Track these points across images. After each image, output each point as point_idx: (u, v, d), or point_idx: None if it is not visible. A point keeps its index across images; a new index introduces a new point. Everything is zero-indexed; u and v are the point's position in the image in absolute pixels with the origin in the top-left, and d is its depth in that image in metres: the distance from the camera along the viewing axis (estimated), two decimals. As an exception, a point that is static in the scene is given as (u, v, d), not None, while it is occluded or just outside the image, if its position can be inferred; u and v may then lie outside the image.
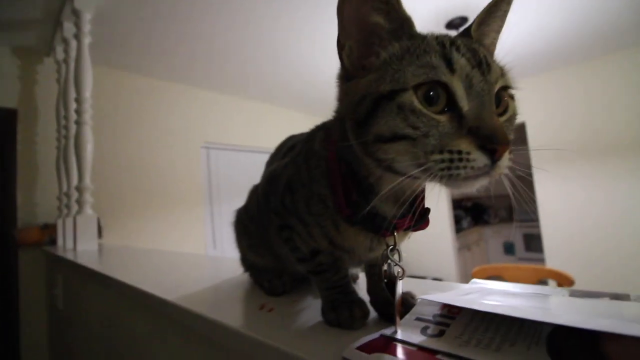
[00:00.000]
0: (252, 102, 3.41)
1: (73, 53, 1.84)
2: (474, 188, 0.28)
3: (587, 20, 2.34)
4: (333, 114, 0.37)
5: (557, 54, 2.90)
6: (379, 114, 0.27)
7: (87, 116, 1.69)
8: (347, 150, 0.32)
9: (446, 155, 0.25)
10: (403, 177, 0.27)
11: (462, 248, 4.67)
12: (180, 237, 2.74)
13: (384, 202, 0.33)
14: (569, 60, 3.05)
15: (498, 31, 0.35)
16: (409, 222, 0.33)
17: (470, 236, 5.10)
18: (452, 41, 0.29)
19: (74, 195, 1.75)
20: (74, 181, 1.79)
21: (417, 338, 0.28)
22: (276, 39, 2.27)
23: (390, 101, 0.27)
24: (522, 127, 3.52)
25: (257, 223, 0.51)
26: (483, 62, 0.28)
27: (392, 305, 0.36)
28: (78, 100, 1.68)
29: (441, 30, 1.53)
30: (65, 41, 1.92)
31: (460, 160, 0.25)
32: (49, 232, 2.05)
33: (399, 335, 0.28)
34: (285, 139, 0.54)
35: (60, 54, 2.10)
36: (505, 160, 0.27)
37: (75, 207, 1.75)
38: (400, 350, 0.26)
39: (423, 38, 0.30)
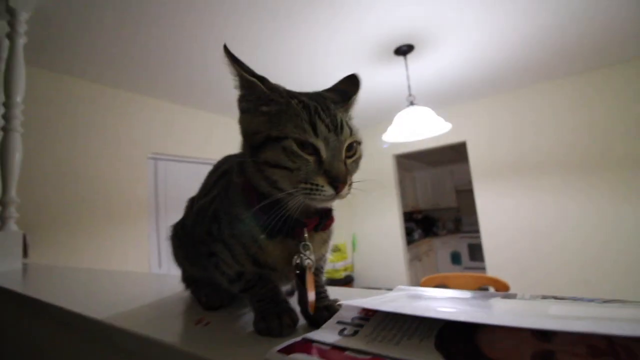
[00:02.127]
0: (203, 112, 3.34)
1: (4, 54, 1.69)
2: (323, 205, 0.40)
3: (517, 52, 2.66)
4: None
5: (492, 82, 3.25)
6: (267, 147, 0.38)
7: (17, 122, 1.54)
8: (246, 167, 0.41)
9: (309, 185, 0.37)
10: (283, 193, 0.37)
11: (414, 259, 4.89)
12: (123, 254, 2.55)
13: (297, 213, 0.40)
14: (503, 87, 3.43)
15: (354, 105, 0.46)
16: (315, 221, 0.42)
17: (421, 247, 5.38)
18: (315, 109, 0.39)
19: (-4, 209, 1.58)
20: (-3, 194, 1.61)
21: (333, 338, 0.30)
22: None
23: (277, 142, 0.38)
24: (463, 145, 3.85)
25: (192, 239, 0.52)
26: (338, 127, 0.39)
27: (319, 312, 0.39)
28: (7, 104, 1.54)
29: (391, 56, 1.64)
30: (-6, 40, 1.76)
31: (317, 190, 0.37)
32: (-38, 251, 1.80)
33: (318, 337, 0.31)
34: (222, 158, 0.57)
35: (-13, 53, 1.90)
36: (346, 190, 0.38)
37: (-4, 223, 1.57)
38: (315, 350, 0.29)
39: (292, 100, 0.39)
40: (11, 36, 1.58)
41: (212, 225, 0.45)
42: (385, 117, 3.70)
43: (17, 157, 1.54)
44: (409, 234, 5.37)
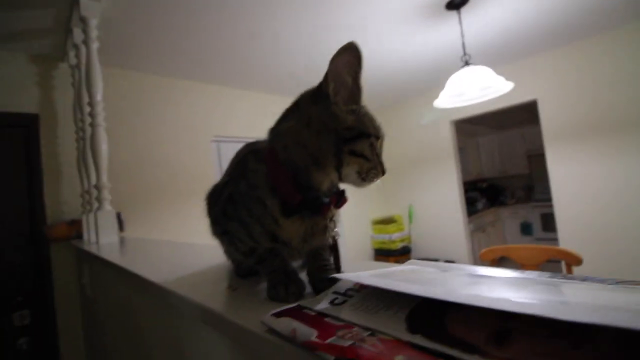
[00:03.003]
0: (257, 94, 3.48)
1: (83, 58, 1.95)
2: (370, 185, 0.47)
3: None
4: (270, 132, 0.49)
5: (564, 30, 2.78)
6: (358, 140, 0.45)
7: (100, 118, 1.81)
8: (299, 156, 0.45)
9: (374, 172, 0.46)
10: (359, 179, 0.46)
11: (477, 230, 4.64)
12: (195, 227, 2.89)
13: (325, 190, 0.47)
14: (577, 35, 2.91)
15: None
16: (335, 199, 0.48)
17: (485, 217, 5.05)
18: (373, 116, 0.48)
19: (94, 193, 1.90)
20: (93, 180, 1.93)
21: (322, 306, 0.34)
22: (278, 32, 2.31)
23: (367, 138, 0.45)
24: (534, 105, 3.42)
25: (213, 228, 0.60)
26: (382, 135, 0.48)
27: (323, 283, 0.43)
28: (90, 103, 1.80)
29: (442, 10, 1.52)
30: (75, 47, 2.04)
31: (377, 174, 0.46)
32: (76, 227, 2.23)
33: (310, 304, 0.35)
34: (242, 147, 0.59)
35: (72, 60, 2.23)
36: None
37: (95, 204, 1.90)
38: (299, 315, 0.33)
39: (364, 107, 0.47)
40: (86, 42, 1.82)
41: (228, 206, 0.51)
42: (440, 82, 3.44)
43: (104, 147, 1.82)
44: (471, 203, 5.06)
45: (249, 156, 0.51)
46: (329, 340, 0.27)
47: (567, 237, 3.19)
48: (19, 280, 2.16)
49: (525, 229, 5.28)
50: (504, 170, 5.87)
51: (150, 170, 2.73)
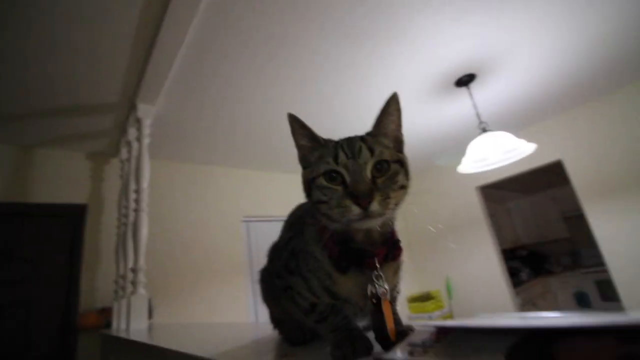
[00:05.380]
0: (284, 175, 3.68)
1: (134, 152, 2.19)
2: (367, 226, 0.43)
3: (599, 55, 2.40)
4: None
5: (575, 92, 2.92)
6: (311, 190, 0.46)
7: (144, 204, 1.94)
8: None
9: (340, 209, 0.41)
10: (337, 223, 0.42)
11: (527, 304, 4.17)
12: (225, 309, 2.79)
13: (361, 242, 0.45)
14: (591, 95, 3.03)
15: (395, 122, 0.50)
16: (385, 251, 0.45)
17: (533, 289, 4.58)
18: (341, 144, 0.46)
19: (130, 276, 1.93)
20: (130, 263, 1.98)
21: (403, 357, 0.32)
22: (303, 114, 2.57)
23: (314, 183, 0.45)
24: (558, 165, 3.39)
25: (273, 284, 0.59)
26: (356, 152, 0.44)
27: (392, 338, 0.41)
28: (137, 190, 1.96)
29: (452, 88, 1.67)
30: (128, 144, 2.32)
31: (347, 211, 0.41)
32: (106, 315, 2.19)
33: (388, 355, 0.33)
34: (295, 207, 0.64)
35: (124, 155, 2.50)
36: (375, 205, 0.41)
37: (130, 288, 1.91)
38: (384, 365, 0.30)
39: (328, 144, 0.48)
40: (139, 138, 2.07)
41: (290, 261, 0.51)
42: (458, 150, 3.54)
43: (144, 232, 1.91)
44: (514, 274, 4.65)
45: (306, 213, 0.53)
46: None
47: (635, 304, 2.79)
48: (44, 376, 2.07)
49: (581, 299, 4.68)
50: (541, 235, 5.52)
51: (179, 253, 2.78)
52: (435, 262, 4.37)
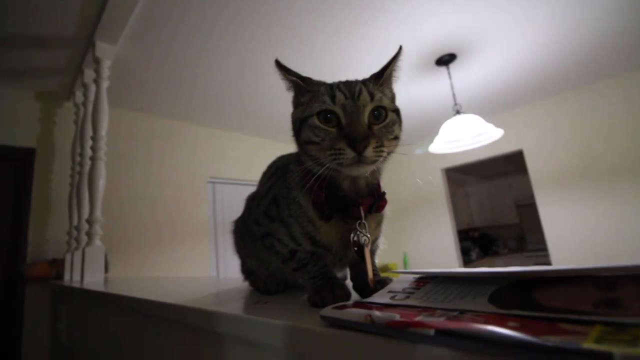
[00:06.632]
0: (252, 138, 3.57)
1: (91, 96, 2.00)
2: (358, 172, 0.41)
3: (571, 50, 2.49)
4: None
5: (545, 84, 3.05)
6: (301, 129, 0.43)
7: (102, 153, 1.80)
8: (300, 155, 0.45)
9: (332, 151, 0.39)
10: (323, 168, 0.40)
11: (472, 279, 4.54)
12: (187, 267, 2.75)
13: (347, 190, 0.44)
14: (559, 89, 3.19)
15: (395, 76, 0.49)
16: (370, 201, 0.43)
17: (480, 267, 4.98)
18: (338, 85, 0.44)
19: (85, 228, 1.82)
20: (85, 214, 1.86)
21: (384, 300, 0.32)
22: (271, 80, 2.45)
23: (306, 122, 0.43)
24: (519, 155, 3.59)
25: (250, 233, 0.57)
26: (355, 94, 0.42)
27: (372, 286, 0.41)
28: (94, 138, 1.80)
29: (432, 66, 1.67)
30: (85, 86, 2.10)
31: (339, 154, 0.39)
32: (57, 266, 2.08)
33: (370, 300, 0.33)
34: (275, 159, 0.62)
35: (79, 98, 2.27)
36: (370, 151, 0.39)
37: (84, 240, 1.81)
38: (367, 307, 0.30)
39: (320, 87, 0.45)
40: (97, 81, 1.88)
41: (270, 207, 0.49)
42: (432, 129, 3.62)
43: (101, 182, 1.78)
44: (465, 253, 5.02)
45: (291, 159, 0.51)
46: (417, 319, 0.24)
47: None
48: (-16, 326, 1.95)
49: (520, 279, 5.19)
50: (494, 219, 5.94)
51: (140, 209, 2.65)
52: (396, 236, 4.58)
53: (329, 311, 0.31)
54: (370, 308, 0.30)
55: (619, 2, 1.98)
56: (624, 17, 2.13)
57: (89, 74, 2.06)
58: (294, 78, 0.46)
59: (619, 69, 2.87)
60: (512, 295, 0.27)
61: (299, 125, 0.44)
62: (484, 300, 0.28)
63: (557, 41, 2.33)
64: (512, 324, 0.21)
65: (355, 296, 0.42)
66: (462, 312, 0.25)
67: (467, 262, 4.56)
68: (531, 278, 0.29)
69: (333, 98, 0.42)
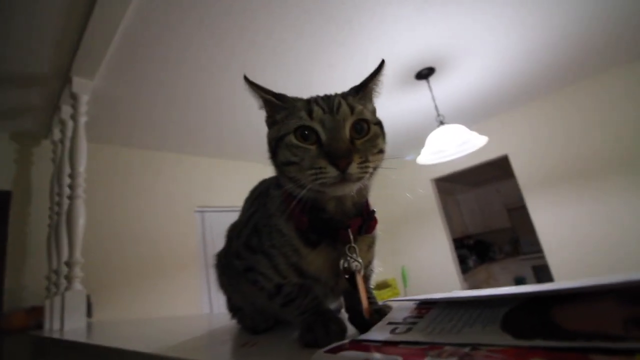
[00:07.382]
0: (242, 163, 3.52)
1: (69, 133, 1.94)
2: (343, 192, 0.38)
3: (545, 56, 2.58)
4: None
5: (523, 90, 3.14)
6: (278, 149, 0.40)
7: (81, 190, 1.72)
8: (280, 178, 0.42)
9: (313, 171, 0.36)
10: (306, 188, 0.36)
11: (472, 288, 4.48)
12: (177, 303, 2.62)
13: (333, 212, 0.40)
14: (538, 94, 3.28)
15: (376, 90, 0.47)
16: (359, 222, 0.39)
17: (479, 275, 4.94)
18: (315, 99, 0.41)
19: (64, 271, 1.71)
20: (64, 257, 1.76)
21: (384, 336, 0.28)
22: (249, 102, 2.44)
23: (282, 141, 0.39)
24: (505, 160, 3.65)
25: (232, 267, 0.52)
26: (334, 108, 0.39)
27: (369, 316, 0.37)
28: (72, 175, 1.73)
29: (412, 81, 1.67)
30: (62, 122, 2.04)
31: (321, 173, 0.35)
32: (36, 315, 1.94)
33: (368, 337, 0.29)
34: (257, 184, 0.58)
35: (57, 135, 2.21)
36: (354, 168, 0.36)
37: (64, 284, 1.70)
38: (364, 348, 0.26)
39: (296, 102, 0.42)
40: (74, 117, 1.83)
41: (252, 238, 0.45)
42: (419, 142, 3.65)
43: (80, 221, 1.69)
44: (462, 261, 4.98)
45: (271, 185, 0.47)
46: (424, 361, 0.21)
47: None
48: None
49: (520, 283, 5.16)
50: (487, 225, 5.96)
51: (125, 245, 2.53)
52: (392, 251, 4.52)
53: (321, 356, 0.26)
54: (368, 348, 0.26)
55: (582, 10, 2.07)
56: (588, 23, 2.22)
57: (66, 110, 2.00)
58: (267, 95, 0.43)
59: (589, 72, 2.98)
60: (527, 320, 0.24)
61: (275, 145, 0.41)
62: (496, 327, 0.24)
63: (529, 50, 2.41)
64: (537, 361, 0.17)
65: (352, 329, 0.37)
66: (474, 347, 0.22)
67: (465, 271, 4.51)
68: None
69: (310, 113, 0.39)
